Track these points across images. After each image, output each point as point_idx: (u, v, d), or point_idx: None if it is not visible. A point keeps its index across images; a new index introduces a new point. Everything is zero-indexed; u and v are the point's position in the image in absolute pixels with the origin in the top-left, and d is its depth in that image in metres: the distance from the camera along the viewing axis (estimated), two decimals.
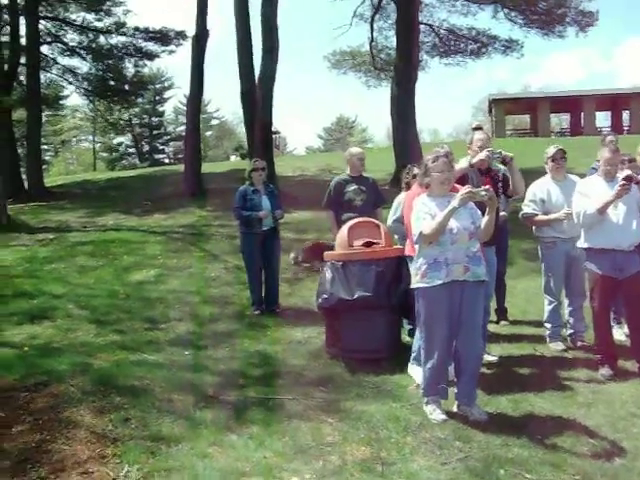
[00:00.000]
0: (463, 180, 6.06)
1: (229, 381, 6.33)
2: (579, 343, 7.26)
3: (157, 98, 67.38)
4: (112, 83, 31.72)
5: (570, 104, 52.00)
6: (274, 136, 26.51)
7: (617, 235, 6.29)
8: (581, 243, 6.59)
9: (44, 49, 28.92)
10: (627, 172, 6.27)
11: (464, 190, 5.04)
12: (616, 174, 6.54)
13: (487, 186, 5.23)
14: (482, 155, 6.09)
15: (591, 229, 6.43)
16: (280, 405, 5.65)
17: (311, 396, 5.83)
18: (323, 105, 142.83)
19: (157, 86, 65.52)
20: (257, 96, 19.39)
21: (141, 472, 4.42)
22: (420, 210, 5.29)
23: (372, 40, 29.73)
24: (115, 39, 30.34)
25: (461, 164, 6.11)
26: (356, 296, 6.61)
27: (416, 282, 5.34)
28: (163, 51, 30.15)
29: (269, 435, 4.98)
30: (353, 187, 8.44)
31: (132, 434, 5.03)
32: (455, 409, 5.40)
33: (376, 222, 7.26)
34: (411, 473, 4.36)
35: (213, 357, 7.15)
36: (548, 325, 7.40)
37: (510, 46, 29.74)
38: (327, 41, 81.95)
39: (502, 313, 8.38)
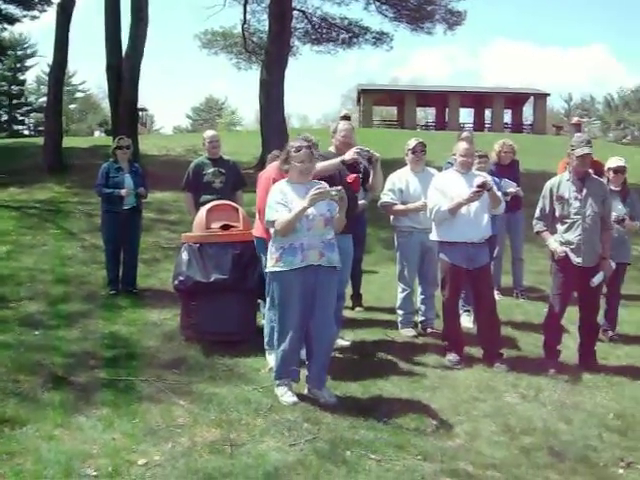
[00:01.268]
0: (331, 177, 6.19)
1: (80, 362, 6.18)
2: (429, 330, 7.54)
3: (18, 65, 63.97)
4: None
5: (436, 99, 53.64)
6: (140, 113, 25.98)
7: (468, 229, 6.57)
8: (433, 236, 6.85)
9: None
10: (482, 180, 6.54)
11: (314, 190, 5.09)
12: (471, 166, 6.84)
13: (339, 187, 5.29)
14: (353, 153, 6.22)
15: (442, 225, 6.70)
16: (131, 387, 5.56)
17: (163, 378, 5.76)
18: (193, 85, 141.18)
19: (18, 53, 62.47)
20: (123, 71, 18.88)
21: None
22: (275, 198, 5.33)
23: (245, 22, 29.43)
24: None
25: (333, 161, 6.20)
26: (212, 279, 6.59)
27: (271, 266, 5.37)
28: (25, 16, 28.86)
29: (119, 417, 4.90)
30: (212, 169, 8.48)
31: None
32: (306, 392, 5.49)
33: (235, 205, 7.24)
34: (260, 454, 4.39)
35: (64, 338, 6.95)
36: (400, 312, 7.62)
37: (380, 38, 30.20)
38: (199, 19, 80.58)
39: (357, 299, 8.56)
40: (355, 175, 6.30)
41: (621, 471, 4.53)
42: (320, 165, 5.84)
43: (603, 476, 4.46)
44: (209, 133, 8.92)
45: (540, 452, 4.72)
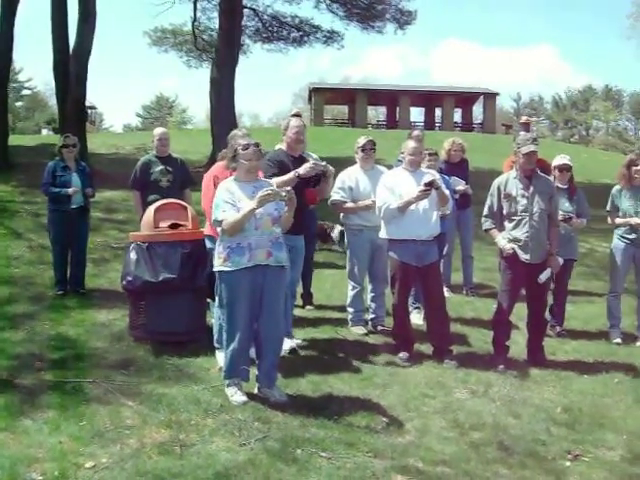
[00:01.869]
0: (284, 170, 6.29)
1: (25, 364, 6.08)
2: (379, 327, 7.56)
3: None
4: None
5: (387, 98, 54.04)
6: (89, 111, 25.61)
7: (417, 226, 6.62)
8: (382, 234, 6.88)
9: None
10: (430, 178, 6.59)
11: (263, 191, 5.07)
12: (420, 164, 6.89)
13: (288, 187, 5.33)
14: (309, 167, 6.24)
15: (391, 223, 6.73)
16: (79, 389, 5.48)
17: (112, 379, 5.70)
18: (143, 83, 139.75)
19: None
20: (71, 68, 18.58)
21: None
22: (222, 197, 5.30)
23: (195, 20, 29.28)
24: None
25: (289, 175, 6.20)
26: (161, 278, 6.53)
27: (219, 265, 5.34)
28: None
29: (65, 419, 4.83)
30: (159, 167, 8.43)
31: None
32: (256, 391, 5.47)
33: (183, 204, 7.19)
34: (209, 454, 4.38)
35: (9, 339, 6.83)
36: (351, 310, 7.64)
37: (331, 37, 30.38)
38: (149, 16, 79.81)
39: (308, 298, 8.54)
40: (313, 190, 6.36)
41: (568, 464, 4.61)
42: (276, 180, 5.90)
43: (551, 469, 4.53)
44: (159, 130, 8.87)
45: (489, 447, 4.78)
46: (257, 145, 5.36)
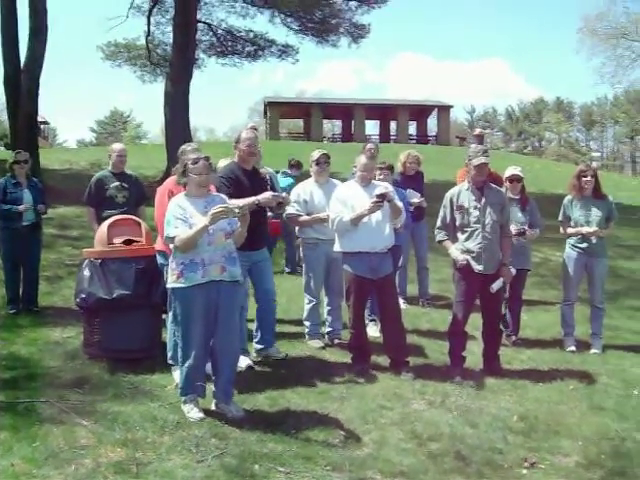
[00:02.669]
0: (239, 187, 6.35)
1: None
2: (336, 340, 7.56)
3: None
4: None
5: (342, 111, 54.38)
6: (41, 127, 25.30)
7: (371, 239, 6.64)
8: (336, 247, 6.90)
9: None
10: (382, 190, 6.62)
11: (216, 208, 5.05)
12: (371, 179, 6.92)
13: (241, 204, 5.35)
14: (269, 199, 6.37)
15: (344, 236, 6.75)
16: (31, 409, 5.39)
17: (66, 398, 5.60)
18: (97, 97, 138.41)
19: None
20: (22, 82, 18.32)
21: None
22: (173, 213, 5.27)
23: (149, 34, 28.98)
24: None
25: (247, 201, 6.19)
26: (115, 295, 6.46)
27: (172, 282, 5.31)
28: None
29: (18, 441, 4.74)
30: (115, 184, 8.35)
31: None
32: (213, 407, 5.44)
33: (137, 219, 7.14)
34: (166, 472, 4.34)
35: None
36: (307, 323, 7.63)
37: (286, 51, 30.38)
38: (102, 30, 79.09)
39: None
40: (277, 221, 6.40)
41: (525, 471, 4.67)
42: (236, 202, 5.83)
43: (508, 477, 4.59)
44: (117, 146, 8.78)
45: (447, 457, 4.81)
46: (207, 159, 5.34)
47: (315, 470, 4.49)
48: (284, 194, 6.61)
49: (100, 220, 7.81)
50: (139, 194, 8.57)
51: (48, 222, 11.22)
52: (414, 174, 9.50)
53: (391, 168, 8.29)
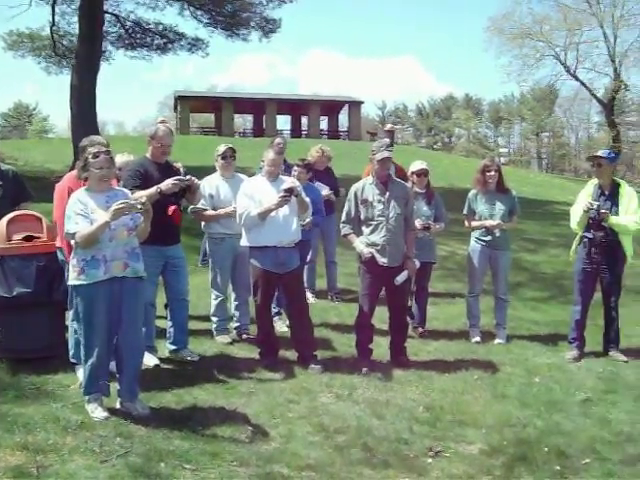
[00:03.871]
0: (148, 180, 6.30)
1: None
2: (244, 335, 7.57)
3: None
4: None
5: (254, 106, 54.20)
6: None
7: (278, 233, 6.66)
8: (244, 242, 6.89)
9: None
10: (289, 185, 6.64)
11: (117, 204, 4.96)
12: (278, 174, 6.93)
13: (143, 199, 5.25)
14: (171, 185, 6.22)
15: (251, 230, 6.75)
16: None
17: None
18: (1, 89, 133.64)
19: None
20: None
21: None
22: (74, 208, 5.14)
23: (53, 24, 28.03)
24: None
25: (150, 191, 6.12)
26: (15, 293, 6.25)
27: (73, 279, 5.20)
28: None
29: None
30: None
31: None
32: (118, 406, 5.35)
33: (38, 215, 6.88)
34: (69, 474, 4.25)
35: None
36: (215, 319, 7.59)
37: (196, 44, 29.99)
38: (3, 19, 76.16)
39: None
40: (174, 207, 6.30)
41: (430, 460, 4.77)
42: (136, 194, 5.77)
43: (413, 466, 4.67)
44: None
45: (354, 449, 4.87)
46: (108, 152, 5.24)
47: (222, 466, 4.48)
48: (188, 176, 6.44)
49: None
50: (18, 192, 7.40)
51: None
52: (324, 169, 9.55)
53: (309, 167, 8.34)
